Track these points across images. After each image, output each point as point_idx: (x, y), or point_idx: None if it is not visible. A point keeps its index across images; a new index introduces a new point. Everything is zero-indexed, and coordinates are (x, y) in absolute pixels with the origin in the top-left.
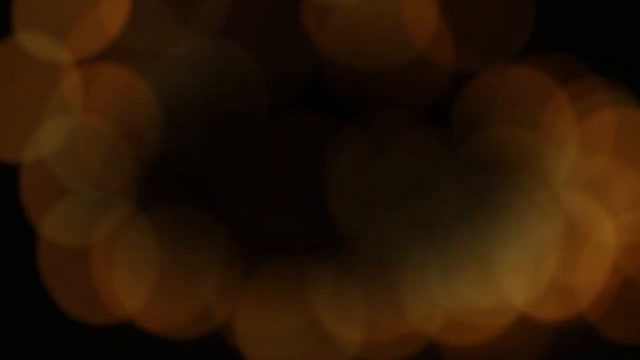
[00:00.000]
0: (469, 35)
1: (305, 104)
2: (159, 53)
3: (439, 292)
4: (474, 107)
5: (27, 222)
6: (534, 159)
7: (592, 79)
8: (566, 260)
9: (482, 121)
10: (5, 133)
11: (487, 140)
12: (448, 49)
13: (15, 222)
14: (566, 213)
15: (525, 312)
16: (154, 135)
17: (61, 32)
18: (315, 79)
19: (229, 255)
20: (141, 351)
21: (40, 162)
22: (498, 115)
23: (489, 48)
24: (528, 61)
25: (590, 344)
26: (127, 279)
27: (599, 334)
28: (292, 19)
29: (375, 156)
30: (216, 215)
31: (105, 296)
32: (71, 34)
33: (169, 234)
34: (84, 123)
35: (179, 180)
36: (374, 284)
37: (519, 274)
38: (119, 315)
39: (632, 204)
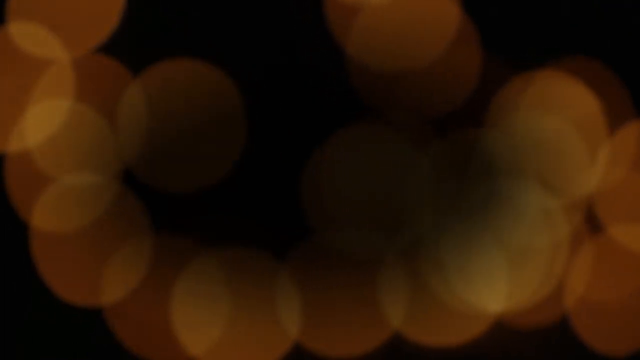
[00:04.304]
0: (497, 38)
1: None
2: (154, 46)
3: (423, 293)
4: (503, 111)
5: (16, 212)
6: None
7: (621, 89)
8: (556, 266)
9: (508, 126)
10: None
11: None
12: (473, 51)
13: (5, 214)
14: (569, 220)
15: (507, 316)
16: (142, 126)
17: (52, 24)
18: (341, 78)
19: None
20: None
21: (26, 152)
22: (526, 120)
23: (517, 52)
24: (558, 66)
25: (574, 350)
26: (116, 265)
27: (582, 340)
28: (317, 19)
29: (377, 157)
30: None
31: (96, 281)
32: (62, 26)
33: (156, 223)
34: (72, 113)
35: (166, 173)
36: (356, 285)
37: (507, 277)
38: (111, 298)
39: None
